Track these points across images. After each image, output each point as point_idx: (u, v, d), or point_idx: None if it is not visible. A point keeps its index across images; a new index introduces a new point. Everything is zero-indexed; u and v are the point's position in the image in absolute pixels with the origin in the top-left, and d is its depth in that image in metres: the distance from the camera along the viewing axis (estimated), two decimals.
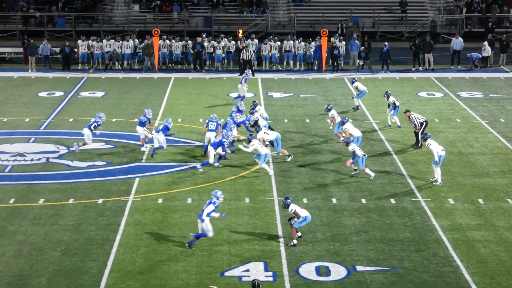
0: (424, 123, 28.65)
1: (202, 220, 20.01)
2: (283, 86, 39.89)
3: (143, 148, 28.16)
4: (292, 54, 44.33)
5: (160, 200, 23.51)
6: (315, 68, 44.15)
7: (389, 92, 31.85)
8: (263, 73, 43.13)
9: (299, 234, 20.55)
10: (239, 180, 25.40)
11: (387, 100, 31.57)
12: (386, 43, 43.80)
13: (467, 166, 26.98)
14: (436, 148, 24.98)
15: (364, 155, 25.33)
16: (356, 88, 34.51)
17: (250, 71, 38.00)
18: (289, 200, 20.51)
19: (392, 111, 31.33)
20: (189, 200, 23.51)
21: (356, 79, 35.84)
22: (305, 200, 23.46)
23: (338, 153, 28.14)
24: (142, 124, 28.05)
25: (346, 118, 28.65)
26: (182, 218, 22.14)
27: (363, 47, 43.32)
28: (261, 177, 25.64)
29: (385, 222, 21.94)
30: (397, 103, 31.33)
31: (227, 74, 42.95)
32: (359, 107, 34.58)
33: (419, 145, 28.56)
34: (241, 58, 42.33)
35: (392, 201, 23.57)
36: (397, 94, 37.55)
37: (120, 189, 24.47)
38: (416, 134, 28.66)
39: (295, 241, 20.21)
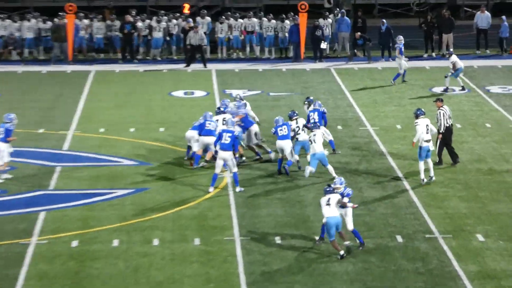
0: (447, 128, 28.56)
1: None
2: (247, 80, 39.83)
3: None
4: (256, 36, 44.29)
5: (74, 243, 23.36)
6: (291, 56, 44.23)
7: (311, 98, 31.10)
8: (218, 63, 43.31)
9: (346, 243, 22.35)
10: (184, 212, 25.31)
11: (307, 109, 30.43)
12: (384, 20, 43.79)
13: (502, 189, 27.09)
14: (423, 130, 26.83)
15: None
16: (453, 64, 36.16)
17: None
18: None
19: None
20: (115, 243, 23.38)
21: (452, 50, 37.11)
22: (278, 240, 23.34)
23: (321, 173, 28.02)
24: (199, 127, 28.49)
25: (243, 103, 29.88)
26: (105, 267, 21.96)
27: (359, 33, 43.32)
28: (215, 208, 25.53)
29: (390, 268, 21.93)
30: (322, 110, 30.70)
31: (169, 65, 43.00)
32: (448, 89, 36.50)
33: (440, 162, 28.45)
34: (187, 43, 42.40)
35: (399, 238, 23.59)
36: (404, 90, 37.61)
37: (18, 228, 24.33)
38: (437, 142, 28.40)
39: (342, 252, 22.08)
